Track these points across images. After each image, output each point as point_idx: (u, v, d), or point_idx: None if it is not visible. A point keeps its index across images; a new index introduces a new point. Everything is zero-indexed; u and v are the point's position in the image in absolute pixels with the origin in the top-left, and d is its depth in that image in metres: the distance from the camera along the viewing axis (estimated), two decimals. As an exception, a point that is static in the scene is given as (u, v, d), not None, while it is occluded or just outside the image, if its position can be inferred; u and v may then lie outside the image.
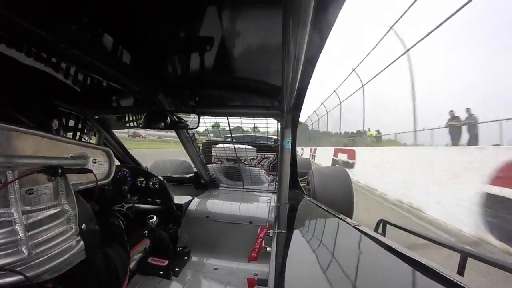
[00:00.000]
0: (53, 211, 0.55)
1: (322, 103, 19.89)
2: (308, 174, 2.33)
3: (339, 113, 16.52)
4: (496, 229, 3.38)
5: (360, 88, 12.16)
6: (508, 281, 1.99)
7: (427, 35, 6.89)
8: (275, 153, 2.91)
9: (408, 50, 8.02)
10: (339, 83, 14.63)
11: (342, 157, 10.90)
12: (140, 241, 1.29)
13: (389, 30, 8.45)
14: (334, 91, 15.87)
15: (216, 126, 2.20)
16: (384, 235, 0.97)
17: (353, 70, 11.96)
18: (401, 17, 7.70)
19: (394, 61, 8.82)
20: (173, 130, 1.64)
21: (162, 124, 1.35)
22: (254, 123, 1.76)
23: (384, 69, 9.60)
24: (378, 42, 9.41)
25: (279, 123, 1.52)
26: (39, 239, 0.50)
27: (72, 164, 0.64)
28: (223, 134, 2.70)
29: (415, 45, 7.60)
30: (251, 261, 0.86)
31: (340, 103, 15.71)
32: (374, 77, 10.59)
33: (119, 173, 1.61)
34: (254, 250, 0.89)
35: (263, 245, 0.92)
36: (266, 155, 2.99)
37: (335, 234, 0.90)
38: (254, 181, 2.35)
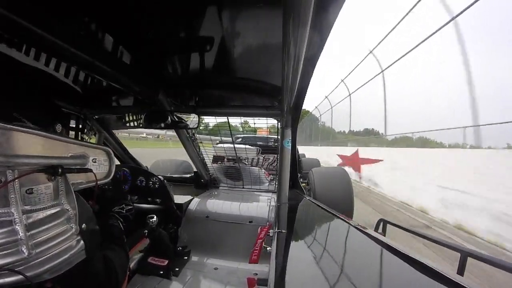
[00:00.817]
0: (53, 210, 0.55)
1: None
2: (308, 174, 2.33)
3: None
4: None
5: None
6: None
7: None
8: (275, 154, 2.91)
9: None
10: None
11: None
12: (140, 241, 1.29)
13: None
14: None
15: (215, 127, 2.19)
16: (384, 235, 0.97)
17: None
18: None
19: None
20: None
21: (162, 124, 1.35)
22: (254, 123, 1.76)
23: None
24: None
25: (279, 123, 1.52)
26: (39, 239, 0.50)
27: (72, 164, 0.64)
28: (223, 134, 2.70)
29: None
30: (252, 263, 0.86)
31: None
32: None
33: (119, 173, 1.61)
34: (255, 252, 0.89)
35: (264, 245, 0.92)
36: (266, 157, 2.99)
37: (335, 234, 0.90)
38: (254, 181, 2.35)
